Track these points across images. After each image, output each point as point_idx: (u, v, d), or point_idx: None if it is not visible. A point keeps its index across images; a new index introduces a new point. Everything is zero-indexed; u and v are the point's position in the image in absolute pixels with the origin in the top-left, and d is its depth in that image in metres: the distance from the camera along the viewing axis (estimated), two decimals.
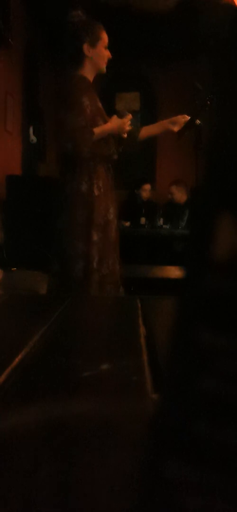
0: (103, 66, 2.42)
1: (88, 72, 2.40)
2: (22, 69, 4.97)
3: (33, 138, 5.17)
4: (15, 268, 3.12)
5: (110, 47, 2.49)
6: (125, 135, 2.42)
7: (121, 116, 2.41)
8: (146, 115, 6.31)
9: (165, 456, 0.15)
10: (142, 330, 0.69)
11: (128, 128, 2.41)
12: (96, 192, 2.32)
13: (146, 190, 5.28)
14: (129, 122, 2.40)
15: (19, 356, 0.54)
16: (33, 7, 4.77)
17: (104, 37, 2.40)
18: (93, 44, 2.37)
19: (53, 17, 4.71)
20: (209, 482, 0.14)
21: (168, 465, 0.15)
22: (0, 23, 3.66)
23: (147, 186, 5.31)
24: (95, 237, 2.30)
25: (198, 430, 0.14)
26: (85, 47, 2.36)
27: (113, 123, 2.37)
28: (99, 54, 2.38)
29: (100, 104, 2.43)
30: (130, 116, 2.41)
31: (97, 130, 2.29)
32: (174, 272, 3.31)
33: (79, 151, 2.26)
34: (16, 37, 4.15)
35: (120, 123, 2.37)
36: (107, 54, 2.41)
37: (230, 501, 0.14)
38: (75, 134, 2.24)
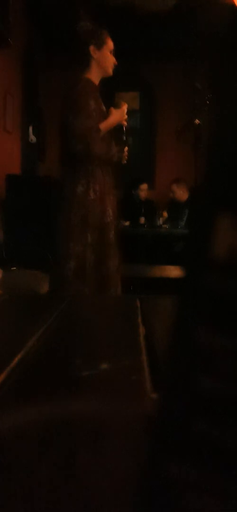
0: (109, 70, 2.52)
1: (94, 75, 2.50)
2: (22, 68, 4.97)
3: (32, 138, 5.17)
4: (14, 268, 3.12)
5: None
6: (126, 123, 2.55)
7: (117, 107, 2.54)
8: (145, 115, 6.31)
9: (165, 456, 0.15)
10: (142, 329, 0.69)
11: (126, 116, 2.53)
12: (92, 195, 2.39)
13: (143, 190, 5.27)
14: (126, 110, 2.54)
15: (19, 356, 0.54)
16: (33, 7, 4.76)
17: (109, 42, 2.51)
18: (99, 47, 2.47)
19: (53, 17, 4.71)
20: (209, 482, 0.14)
21: (168, 465, 0.15)
22: (0, 23, 3.66)
23: (144, 186, 5.29)
24: (89, 239, 2.37)
25: (198, 430, 0.14)
26: (92, 48, 2.46)
27: (114, 115, 2.48)
28: (104, 57, 2.49)
29: (103, 107, 2.53)
30: (126, 104, 2.55)
31: (102, 126, 2.41)
32: (173, 271, 3.31)
33: (90, 150, 2.37)
34: (16, 37, 4.14)
35: (119, 113, 2.50)
36: (112, 59, 2.52)
37: (230, 501, 0.14)
38: (85, 136, 2.35)
